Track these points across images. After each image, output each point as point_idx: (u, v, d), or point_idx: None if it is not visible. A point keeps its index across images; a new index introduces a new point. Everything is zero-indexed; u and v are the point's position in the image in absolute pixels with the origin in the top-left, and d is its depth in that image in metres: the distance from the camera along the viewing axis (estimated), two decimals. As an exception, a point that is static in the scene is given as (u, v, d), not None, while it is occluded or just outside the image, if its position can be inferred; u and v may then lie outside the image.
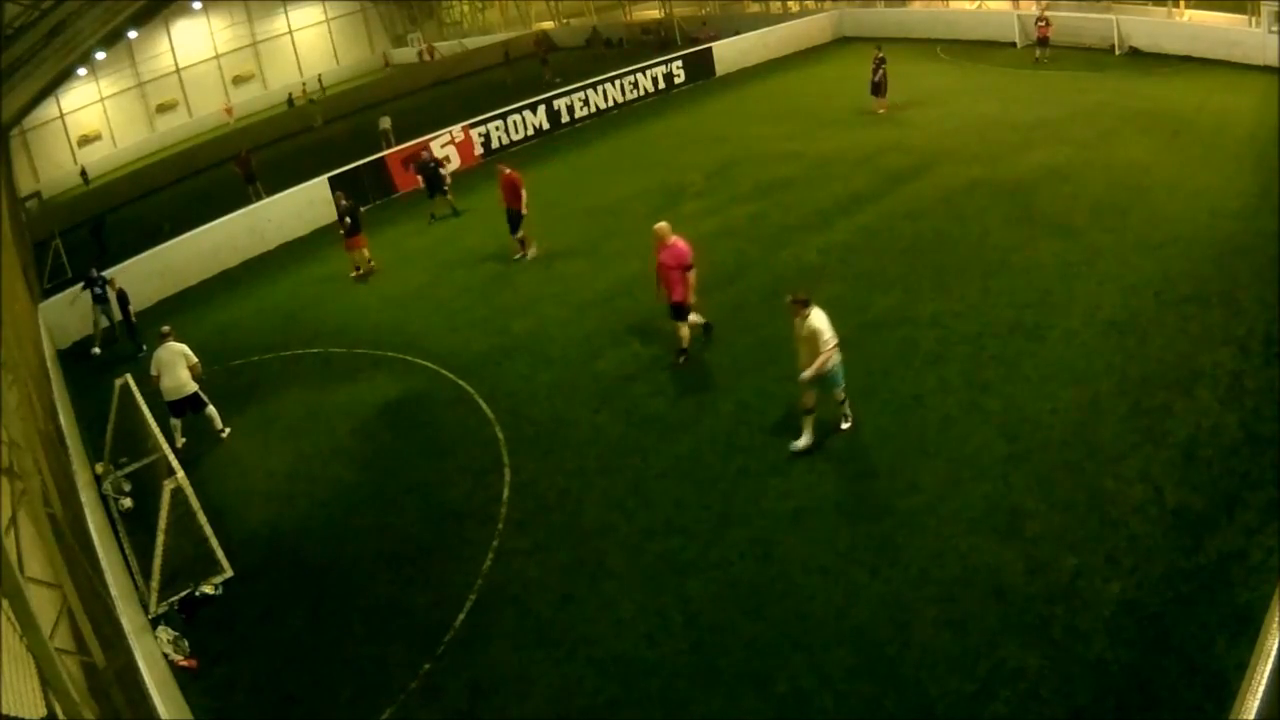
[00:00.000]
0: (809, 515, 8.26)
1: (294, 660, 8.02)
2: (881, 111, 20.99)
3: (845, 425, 9.36)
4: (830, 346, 8.51)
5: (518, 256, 16.23)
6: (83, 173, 41.10)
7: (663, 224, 10.99)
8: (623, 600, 7.76)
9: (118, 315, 16.56)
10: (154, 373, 11.62)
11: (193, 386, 11.74)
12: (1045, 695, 6.09)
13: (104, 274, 16.90)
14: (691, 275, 10.82)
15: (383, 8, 57.90)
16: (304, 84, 49.80)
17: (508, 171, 16.14)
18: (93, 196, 34.34)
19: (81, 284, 16.95)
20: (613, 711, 6.76)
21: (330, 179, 21.63)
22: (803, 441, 9.11)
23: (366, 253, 17.45)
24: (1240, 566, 6.74)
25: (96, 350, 16.76)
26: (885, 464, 8.73)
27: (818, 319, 8.58)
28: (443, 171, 20.11)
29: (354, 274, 17.35)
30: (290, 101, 46.43)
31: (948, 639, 6.68)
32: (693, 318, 11.34)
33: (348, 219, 17.05)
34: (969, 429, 9.00)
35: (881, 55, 21.24)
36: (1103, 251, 12.09)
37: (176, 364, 11.57)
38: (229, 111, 48.28)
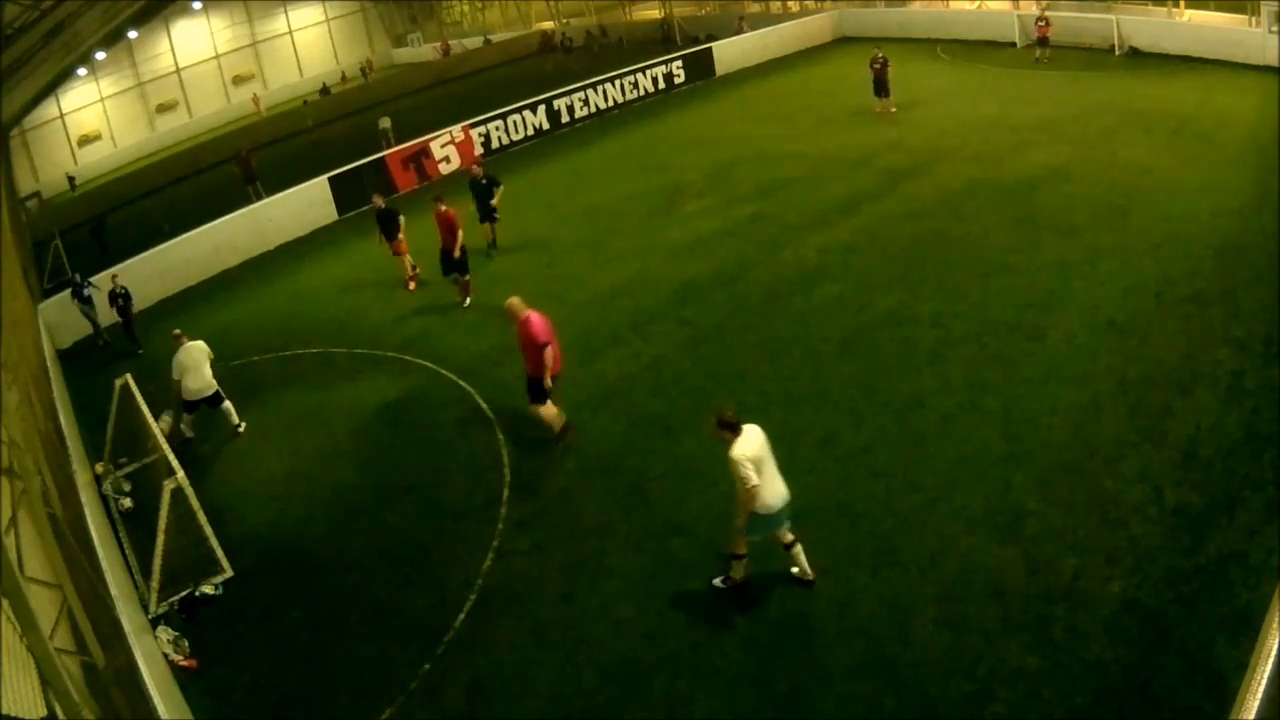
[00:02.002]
0: (809, 515, 8.24)
1: (294, 660, 8.02)
2: (893, 110, 20.86)
3: (800, 571, 7.37)
4: (750, 487, 6.69)
5: (465, 303, 14.63)
6: (70, 180, 40.24)
7: (513, 300, 9.81)
8: (623, 600, 7.76)
9: (105, 320, 16.60)
10: (176, 376, 11.55)
11: (215, 384, 11.83)
12: (1045, 695, 6.09)
13: (90, 279, 16.87)
14: (548, 353, 9.57)
15: (383, 8, 57.89)
16: (344, 71, 51.21)
17: (443, 208, 14.24)
18: (81, 202, 33.80)
19: (69, 290, 16.88)
20: (613, 711, 6.76)
21: (330, 179, 21.66)
22: (719, 580, 7.53)
23: (408, 259, 16.05)
24: (1240, 566, 6.74)
25: (102, 341, 16.83)
26: (885, 464, 8.73)
27: (741, 448, 6.74)
28: (496, 191, 16.25)
29: (411, 283, 15.90)
30: (325, 90, 46.52)
31: (948, 639, 6.68)
32: (547, 409, 9.98)
33: (391, 225, 15.66)
34: (969, 429, 9.00)
35: (882, 55, 21.04)
36: (1103, 251, 12.09)
37: (203, 364, 11.65)
38: (256, 101, 48.25)
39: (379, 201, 15.94)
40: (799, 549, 7.37)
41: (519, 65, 43.52)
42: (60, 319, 17.43)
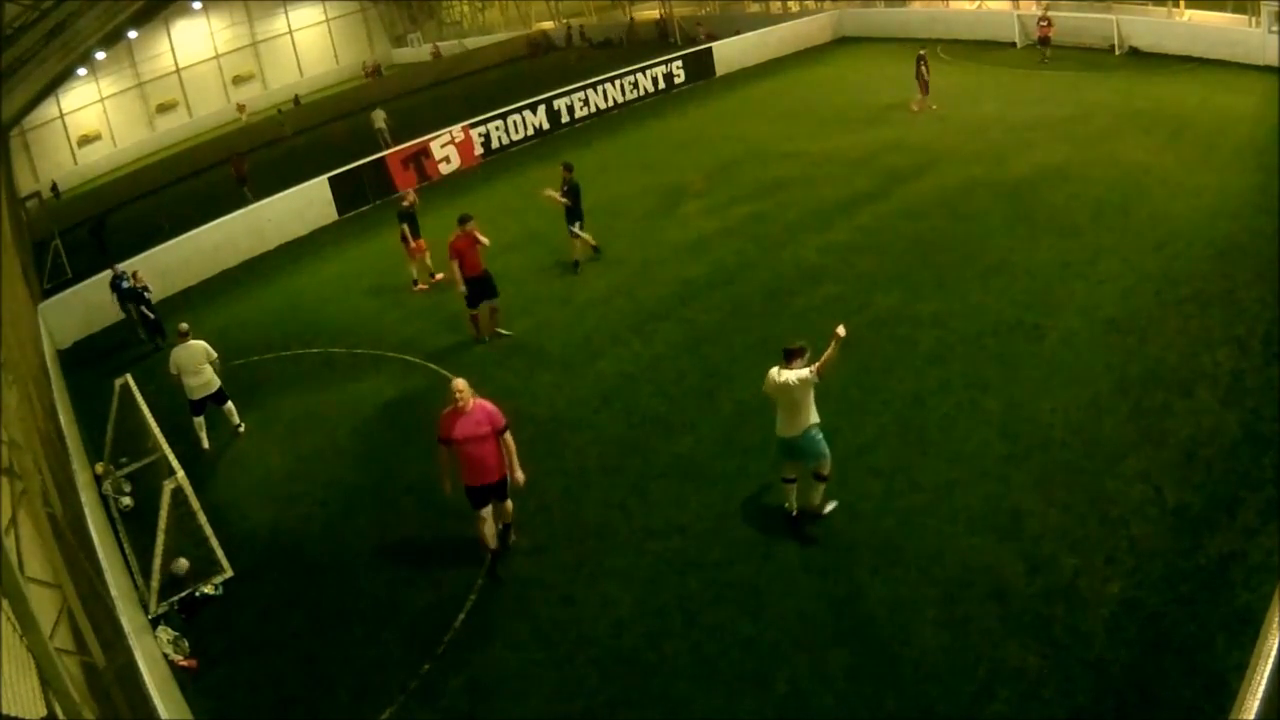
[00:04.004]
0: (809, 515, 8.25)
1: (294, 660, 8.02)
2: (935, 108, 20.62)
3: (789, 506, 8.08)
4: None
5: (497, 334, 13.10)
6: (53, 187, 39.50)
7: (459, 381, 8.05)
8: (623, 600, 7.76)
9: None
10: (174, 371, 11.55)
11: (217, 383, 11.78)
12: (1045, 695, 6.09)
13: (123, 269, 16.43)
14: (509, 438, 8.06)
15: (383, 8, 57.91)
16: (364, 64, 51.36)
17: (470, 226, 12.47)
18: (68, 208, 33.45)
19: (110, 283, 16.41)
20: (613, 711, 6.76)
21: (330, 179, 21.65)
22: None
23: (428, 260, 15.68)
24: (1240, 566, 6.74)
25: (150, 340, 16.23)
26: (885, 464, 8.73)
27: (768, 376, 7.69)
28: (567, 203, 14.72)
29: (417, 287, 15.69)
30: (297, 100, 46.38)
31: (948, 639, 6.68)
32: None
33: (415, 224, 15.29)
34: (969, 429, 9.00)
35: (923, 52, 20.89)
36: (1103, 251, 12.09)
37: (201, 363, 11.57)
38: (241, 108, 47.98)
39: (412, 197, 15.71)
40: (801, 487, 8.00)
41: (505, 68, 43.36)
42: (60, 319, 17.42)
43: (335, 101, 43.47)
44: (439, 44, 53.24)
